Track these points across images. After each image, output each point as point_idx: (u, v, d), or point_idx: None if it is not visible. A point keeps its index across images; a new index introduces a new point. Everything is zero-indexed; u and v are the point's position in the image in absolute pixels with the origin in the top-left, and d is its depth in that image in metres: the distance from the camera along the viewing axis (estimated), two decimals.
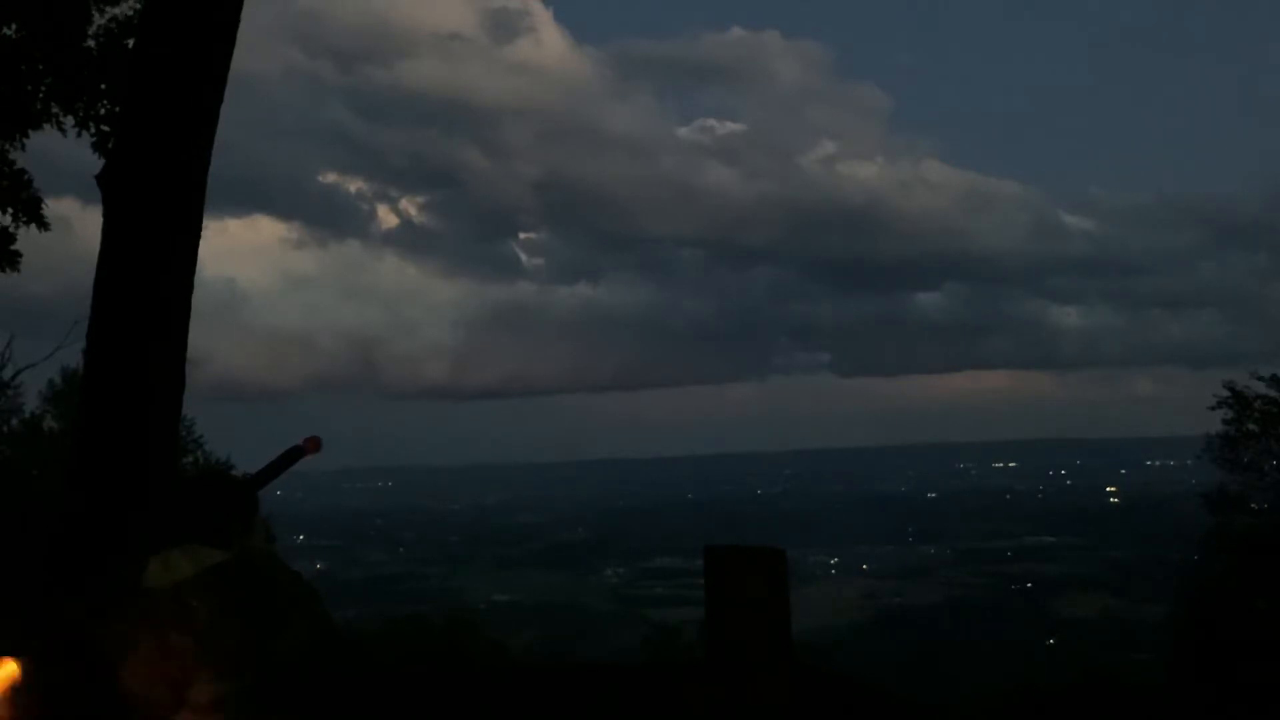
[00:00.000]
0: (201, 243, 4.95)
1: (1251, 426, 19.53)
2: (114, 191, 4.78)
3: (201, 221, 4.94)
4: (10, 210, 7.40)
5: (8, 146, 7.28)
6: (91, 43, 7.11)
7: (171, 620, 2.23)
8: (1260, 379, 19.36)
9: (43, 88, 7.08)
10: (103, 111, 7.09)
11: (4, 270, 7.52)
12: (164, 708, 2.16)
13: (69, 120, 7.14)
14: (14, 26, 6.93)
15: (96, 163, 6.57)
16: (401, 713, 3.24)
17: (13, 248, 7.45)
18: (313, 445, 2.68)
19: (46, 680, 2.63)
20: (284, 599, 2.33)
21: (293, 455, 2.66)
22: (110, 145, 6.45)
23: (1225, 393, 19.67)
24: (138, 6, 6.89)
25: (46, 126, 7.19)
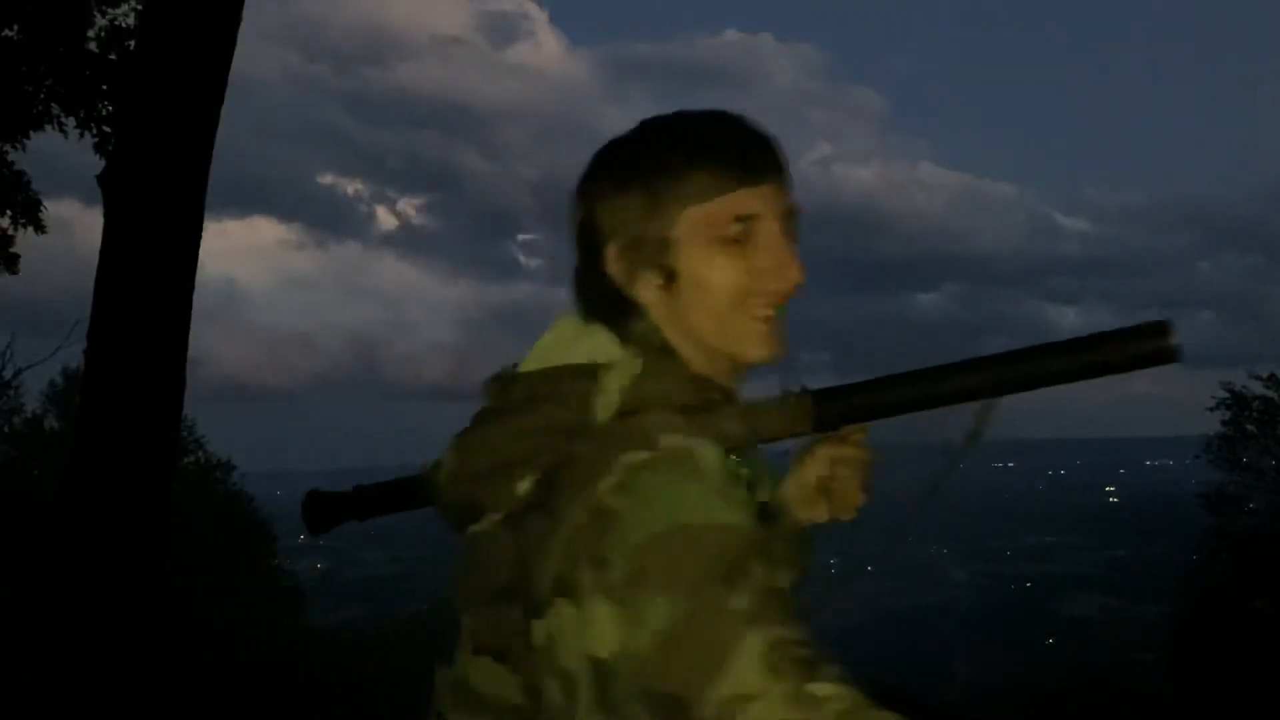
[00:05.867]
0: (201, 243, 4.97)
1: (1250, 427, 19.55)
2: (115, 192, 4.79)
3: (202, 222, 4.96)
4: (9, 213, 7.41)
5: (7, 148, 7.29)
6: (93, 44, 7.12)
7: None
8: (1258, 379, 19.38)
9: (44, 89, 7.09)
10: (104, 113, 7.10)
11: (2, 272, 7.54)
12: None
13: (70, 122, 7.15)
14: (15, 28, 6.94)
15: (97, 164, 6.58)
16: (400, 712, 3.25)
17: (12, 250, 7.48)
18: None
19: None
20: None
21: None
22: (111, 147, 6.47)
23: (1224, 393, 19.69)
24: (139, 8, 6.90)
25: (48, 128, 7.20)
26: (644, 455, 0.84)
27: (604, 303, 0.97)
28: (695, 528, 0.79)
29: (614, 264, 0.95)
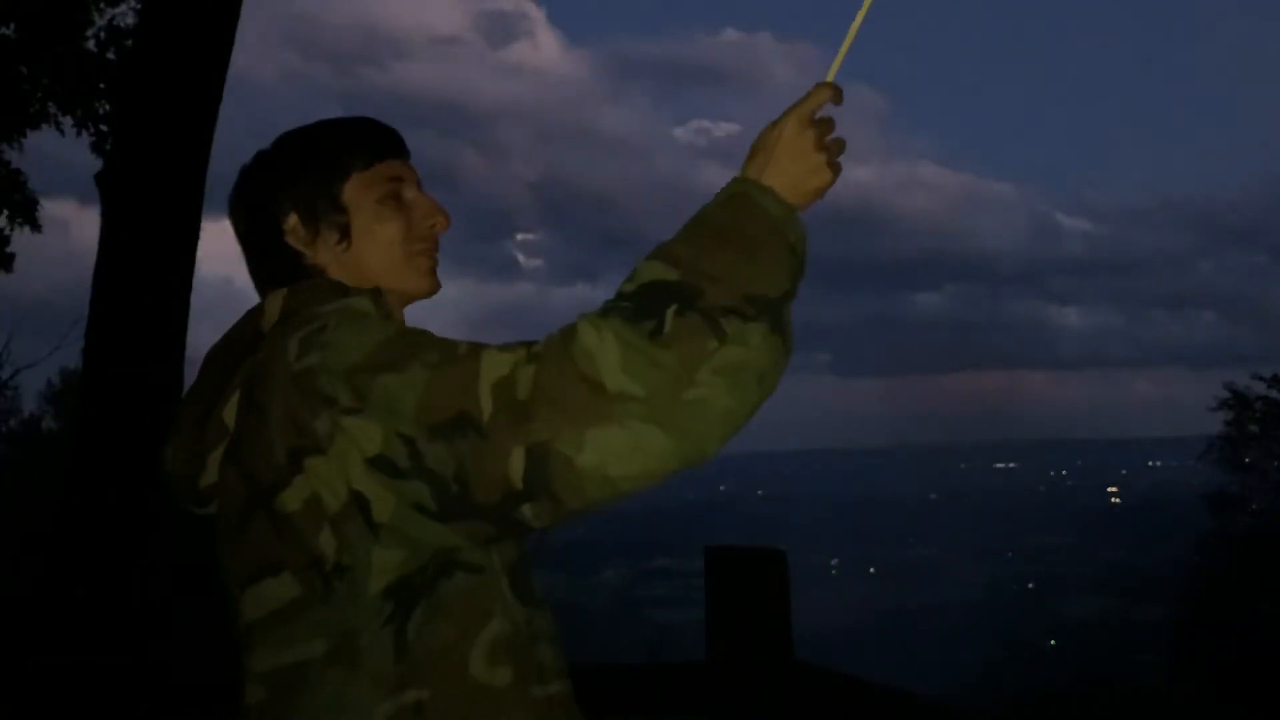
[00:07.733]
0: (199, 243, 4.94)
1: (1253, 428, 19.53)
2: (112, 192, 4.77)
3: (200, 222, 4.94)
4: (6, 212, 7.40)
5: (5, 147, 7.28)
6: (91, 44, 7.11)
7: None
8: (1261, 379, 19.36)
9: (41, 88, 7.08)
10: (101, 112, 7.09)
11: None
12: None
13: (67, 121, 7.14)
14: (12, 26, 6.93)
15: (95, 163, 6.57)
16: None
17: (8, 249, 7.46)
18: None
19: None
20: None
21: None
22: (109, 146, 6.45)
23: (1226, 394, 19.68)
24: (137, 8, 6.88)
25: (45, 127, 7.19)
26: (314, 325, 0.98)
27: (285, 271, 1.13)
28: (392, 335, 0.95)
29: (294, 232, 1.13)
